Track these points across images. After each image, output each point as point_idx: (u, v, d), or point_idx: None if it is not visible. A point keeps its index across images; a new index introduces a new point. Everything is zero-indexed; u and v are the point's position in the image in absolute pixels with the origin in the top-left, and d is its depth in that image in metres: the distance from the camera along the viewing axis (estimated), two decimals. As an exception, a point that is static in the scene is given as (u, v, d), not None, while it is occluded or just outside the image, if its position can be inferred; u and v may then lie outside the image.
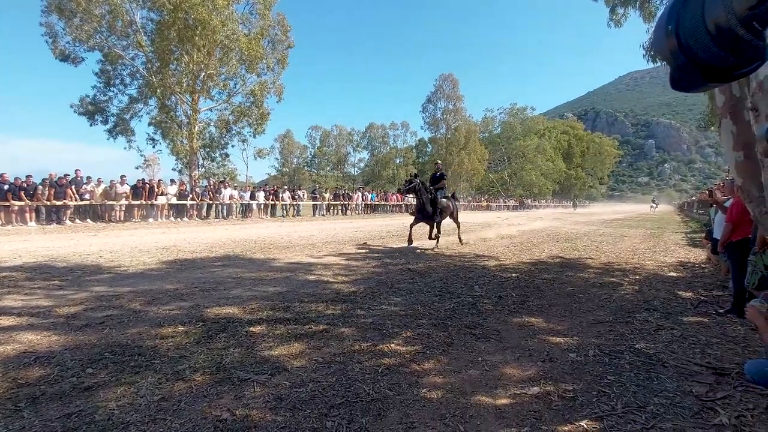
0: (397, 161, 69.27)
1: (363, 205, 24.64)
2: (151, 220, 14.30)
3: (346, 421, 1.79)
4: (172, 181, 15.97)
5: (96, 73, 19.13)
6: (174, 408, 1.87)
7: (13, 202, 11.59)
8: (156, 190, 14.61)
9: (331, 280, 4.84)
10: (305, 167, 70.83)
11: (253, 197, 18.41)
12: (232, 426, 1.74)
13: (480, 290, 4.46)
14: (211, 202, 16.48)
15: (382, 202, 26.52)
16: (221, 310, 3.47)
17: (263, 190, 19.71)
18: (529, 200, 49.59)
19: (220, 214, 16.89)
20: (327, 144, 71.00)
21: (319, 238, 9.54)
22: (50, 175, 12.74)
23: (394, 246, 8.41)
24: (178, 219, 15.14)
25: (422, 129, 49.42)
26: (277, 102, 22.84)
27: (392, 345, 2.74)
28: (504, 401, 2.00)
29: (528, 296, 4.25)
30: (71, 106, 19.64)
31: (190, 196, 15.88)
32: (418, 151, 70.87)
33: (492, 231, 12.68)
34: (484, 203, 39.01)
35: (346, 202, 23.44)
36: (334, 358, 2.47)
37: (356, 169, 75.13)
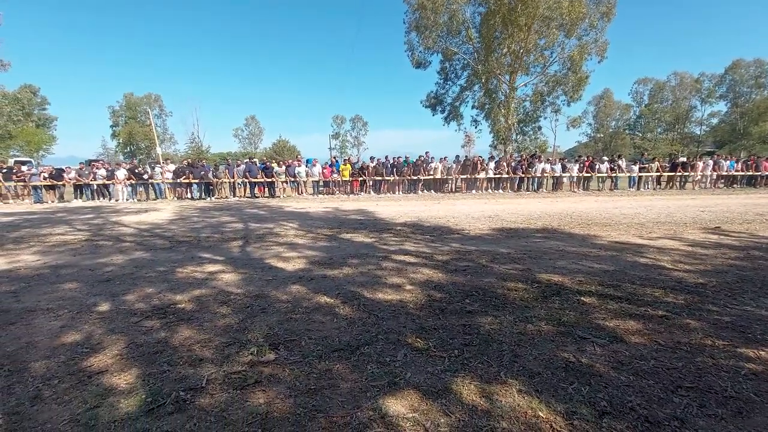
0: (782, 109, 47.32)
1: (714, 177, 18.82)
2: (473, 191, 16.81)
3: (696, 404, 1.85)
4: (491, 157, 17.95)
5: (438, 72, 23.88)
6: (530, 342, 2.51)
7: (388, 177, 16.65)
8: (479, 166, 16.92)
9: (669, 266, 4.35)
10: (626, 130, 60.42)
11: (564, 169, 17.91)
12: (579, 369, 2.17)
13: None
14: (524, 175, 17.39)
15: (749, 173, 19.06)
16: (550, 276, 3.96)
17: (577, 162, 18.74)
18: None
19: (531, 187, 17.58)
20: (660, 99, 57.37)
21: (648, 217, 8.36)
22: (406, 157, 17.36)
23: (770, 235, 6.25)
24: (494, 191, 16.98)
25: None
26: (599, 62, 20.68)
27: (761, 352, 2.35)
28: None
29: None
30: (420, 102, 25.63)
31: (506, 170, 17.36)
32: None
33: None
34: None
35: (686, 173, 18.61)
36: (678, 345, 2.43)
37: (704, 127, 57.09)
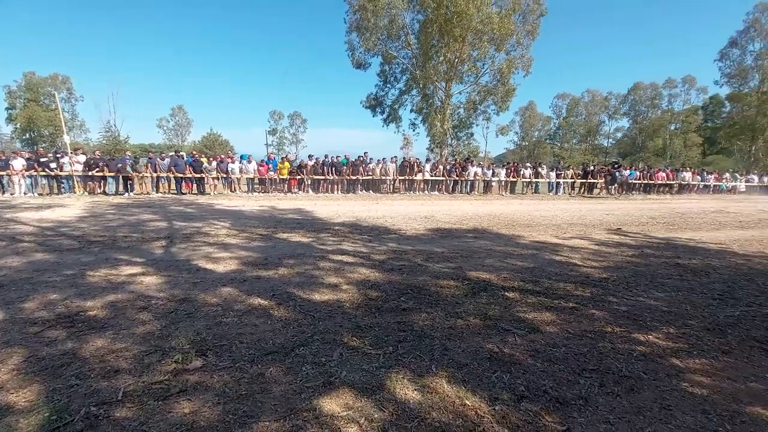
0: (672, 127, 55.06)
1: (617, 185, 21.29)
2: (411, 192, 17.26)
3: (597, 384, 2.10)
4: (428, 160, 18.59)
5: (378, 74, 24.16)
6: (459, 335, 2.66)
7: (327, 176, 16.49)
8: (416, 168, 17.42)
9: (579, 263, 4.86)
10: (547, 140, 66.04)
11: (494, 174, 19.13)
12: (501, 358, 2.35)
13: (790, 304, 3.51)
14: (458, 178, 18.24)
15: (645, 181, 21.93)
16: (479, 274, 4.21)
17: (504, 167, 20.11)
18: None
19: (464, 190, 18.51)
20: (575, 113, 63.56)
21: (563, 219, 9.25)
22: (345, 156, 17.31)
23: (658, 235, 7.26)
24: (431, 193, 17.60)
25: (717, 84, 36.84)
26: (524, 76, 22.43)
27: (649, 336, 2.73)
28: (798, 423, 1.80)
29: None
30: (360, 102, 25.76)
31: (441, 172, 18.07)
32: (706, 113, 54.04)
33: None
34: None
35: (594, 180, 20.85)
36: (584, 333, 2.74)
37: (610, 140, 64.33)
